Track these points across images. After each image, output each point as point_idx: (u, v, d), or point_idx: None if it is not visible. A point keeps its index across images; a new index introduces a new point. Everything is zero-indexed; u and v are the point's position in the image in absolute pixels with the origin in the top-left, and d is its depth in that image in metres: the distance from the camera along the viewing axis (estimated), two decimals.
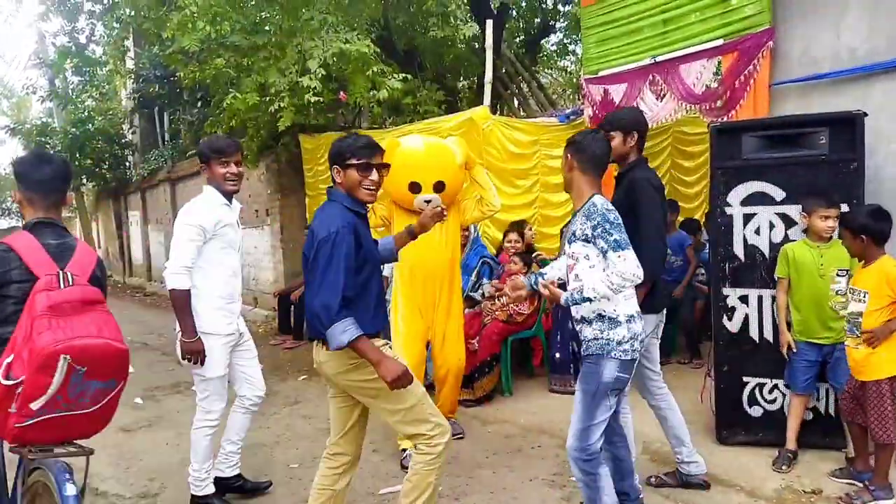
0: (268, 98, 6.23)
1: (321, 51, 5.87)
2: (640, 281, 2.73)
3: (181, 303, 3.33)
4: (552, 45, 11.63)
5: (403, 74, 6.49)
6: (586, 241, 2.81)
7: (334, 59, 5.98)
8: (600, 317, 2.78)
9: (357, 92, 6.39)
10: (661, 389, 3.52)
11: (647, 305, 3.12)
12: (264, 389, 3.78)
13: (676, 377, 5.69)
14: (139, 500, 3.87)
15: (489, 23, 6.09)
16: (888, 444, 3.27)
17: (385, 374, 2.56)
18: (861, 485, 3.42)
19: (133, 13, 7.94)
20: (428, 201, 3.92)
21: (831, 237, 3.67)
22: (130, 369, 2.47)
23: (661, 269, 3.34)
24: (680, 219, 7.39)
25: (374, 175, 2.76)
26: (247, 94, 6.40)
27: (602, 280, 2.71)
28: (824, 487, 3.49)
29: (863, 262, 3.37)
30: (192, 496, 3.55)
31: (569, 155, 2.96)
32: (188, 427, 3.57)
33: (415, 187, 4.04)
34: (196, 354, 3.34)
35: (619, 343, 2.74)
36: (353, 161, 2.72)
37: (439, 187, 3.99)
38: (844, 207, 3.74)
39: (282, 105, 6.13)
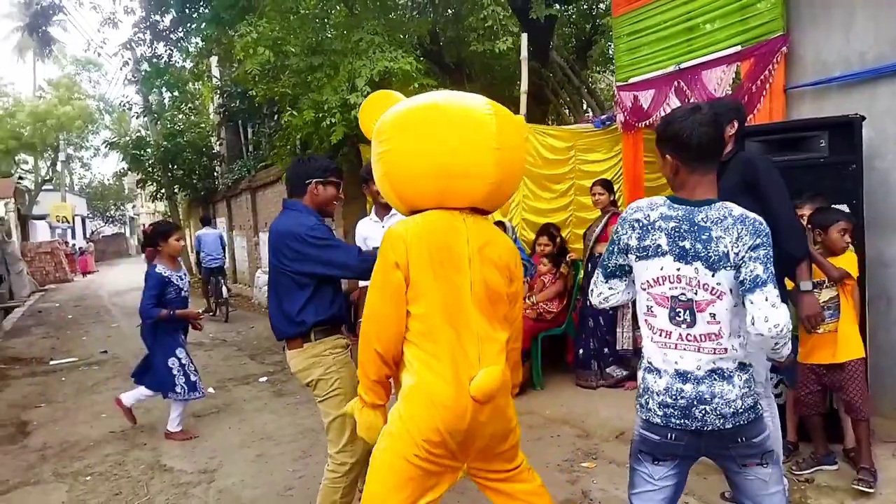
0: (321, 115, 6.77)
1: (368, 69, 6.36)
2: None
3: None
4: (603, 48, 11.73)
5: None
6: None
7: (380, 76, 6.46)
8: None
9: None
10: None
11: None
12: None
13: None
14: (199, 475, 4.44)
15: (524, 36, 6.41)
16: (865, 420, 3.50)
17: None
18: (829, 467, 3.66)
19: (204, 42, 8.71)
20: None
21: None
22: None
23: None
24: None
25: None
26: (304, 112, 6.97)
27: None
28: (816, 477, 3.65)
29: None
30: None
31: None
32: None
33: None
34: None
35: (639, 395, 2.10)
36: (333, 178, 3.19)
37: None
38: (843, 208, 3.88)
39: (333, 121, 6.65)
